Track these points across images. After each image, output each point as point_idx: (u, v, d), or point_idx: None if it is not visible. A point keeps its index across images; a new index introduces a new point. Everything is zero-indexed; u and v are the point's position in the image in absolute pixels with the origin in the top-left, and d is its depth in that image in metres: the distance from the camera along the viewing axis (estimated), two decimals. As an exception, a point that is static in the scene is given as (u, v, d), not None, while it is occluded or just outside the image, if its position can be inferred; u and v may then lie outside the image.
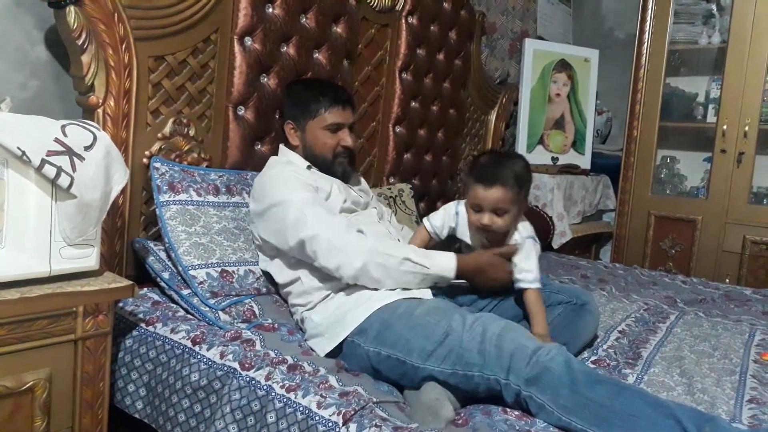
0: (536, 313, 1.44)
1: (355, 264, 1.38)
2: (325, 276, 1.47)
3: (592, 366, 1.41)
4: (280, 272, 1.56)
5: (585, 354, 1.51)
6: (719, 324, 1.80)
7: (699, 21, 3.10)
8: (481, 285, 1.51)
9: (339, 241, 1.40)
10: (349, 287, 1.44)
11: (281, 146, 1.78)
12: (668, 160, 3.28)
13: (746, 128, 2.81)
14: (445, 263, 1.45)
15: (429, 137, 2.68)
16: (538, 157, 3.15)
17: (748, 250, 2.80)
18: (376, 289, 1.40)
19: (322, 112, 1.68)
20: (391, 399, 1.23)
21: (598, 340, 1.59)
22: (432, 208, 2.38)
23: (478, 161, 1.53)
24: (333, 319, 1.39)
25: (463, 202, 1.59)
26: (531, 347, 1.18)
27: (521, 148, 3.14)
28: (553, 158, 3.17)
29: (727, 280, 2.70)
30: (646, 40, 3.09)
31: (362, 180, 1.91)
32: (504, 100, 3.11)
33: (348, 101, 1.73)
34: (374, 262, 1.38)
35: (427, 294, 1.44)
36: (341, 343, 1.36)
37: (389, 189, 2.36)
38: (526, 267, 1.47)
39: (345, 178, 1.73)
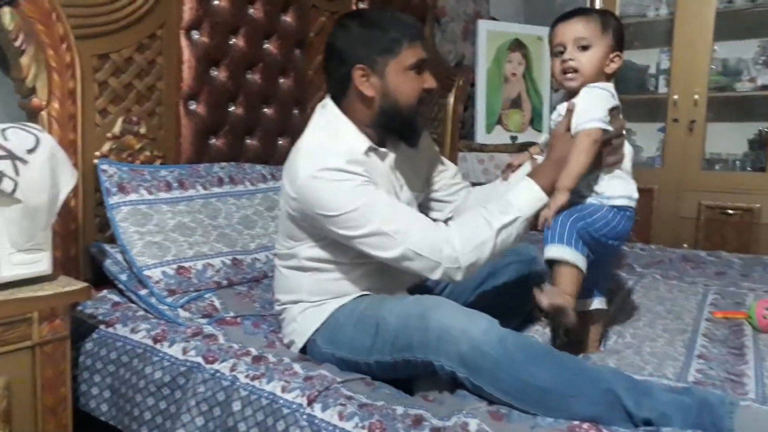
0: (567, 161, 1.21)
1: (461, 270, 1.22)
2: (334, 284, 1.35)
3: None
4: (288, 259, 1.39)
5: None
6: (675, 287, 1.86)
7: (647, -6, 3.16)
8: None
9: (435, 254, 1.21)
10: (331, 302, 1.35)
11: (325, 108, 1.36)
12: (624, 132, 3.34)
13: (696, 97, 2.88)
14: (529, 195, 1.26)
15: (388, 123, 2.68)
16: (498, 136, 3.19)
17: (704, 215, 2.89)
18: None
19: (403, 49, 1.28)
20: (357, 377, 1.22)
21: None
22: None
23: (555, 21, 1.33)
24: (308, 320, 1.35)
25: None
26: (458, 327, 1.10)
27: (480, 129, 3.17)
28: (512, 137, 3.21)
29: (685, 246, 2.77)
30: (597, 15, 3.14)
31: (427, 137, 1.54)
32: (461, 82, 3.12)
33: (423, 36, 1.37)
34: (478, 257, 1.22)
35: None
36: (311, 345, 1.34)
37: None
38: (579, 108, 1.24)
39: (418, 135, 1.38)
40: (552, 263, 1.23)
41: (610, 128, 1.24)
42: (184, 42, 1.79)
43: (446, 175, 1.58)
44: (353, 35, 1.31)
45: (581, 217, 1.24)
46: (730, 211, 2.82)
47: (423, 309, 1.17)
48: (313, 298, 1.35)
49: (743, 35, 2.97)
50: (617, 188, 1.30)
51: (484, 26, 3.20)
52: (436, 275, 1.23)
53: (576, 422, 1.01)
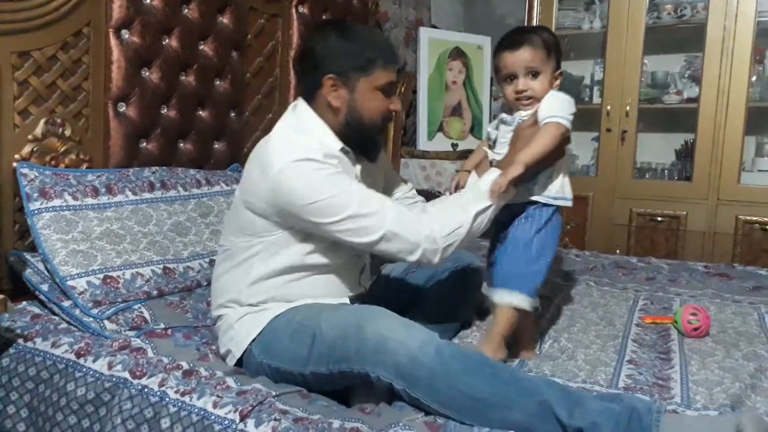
0: (531, 143, 1.28)
1: (438, 252, 1.25)
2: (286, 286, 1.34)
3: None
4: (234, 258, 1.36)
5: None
6: (608, 292, 1.91)
7: (581, 7, 3.25)
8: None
9: (413, 235, 1.24)
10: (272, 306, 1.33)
11: (297, 109, 1.38)
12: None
13: (627, 108, 2.99)
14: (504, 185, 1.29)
15: (329, 128, 2.66)
16: (439, 144, 3.22)
17: (635, 222, 2.99)
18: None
19: (377, 69, 1.31)
20: (293, 389, 1.20)
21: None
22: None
23: (501, 39, 1.41)
24: (244, 329, 1.31)
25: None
26: (396, 338, 1.10)
27: (422, 136, 3.19)
28: (452, 144, 3.24)
29: (618, 251, 2.87)
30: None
31: (383, 153, 1.59)
32: (403, 89, 3.13)
33: (397, 61, 1.41)
34: (457, 240, 1.26)
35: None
36: (247, 355, 1.30)
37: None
38: (547, 106, 1.31)
39: (378, 150, 1.46)
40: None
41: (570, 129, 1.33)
42: (113, 41, 1.71)
43: (402, 189, 1.67)
44: (331, 45, 1.32)
45: (540, 259, 1.34)
46: (659, 218, 2.94)
47: (359, 320, 1.16)
48: (252, 299, 1.32)
49: (671, 50, 3.11)
50: (565, 189, 1.40)
51: (425, 33, 3.22)
52: (414, 257, 1.25)
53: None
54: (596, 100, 3.20)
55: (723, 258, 2.69)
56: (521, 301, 1.32)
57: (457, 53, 3.31)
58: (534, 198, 1.37)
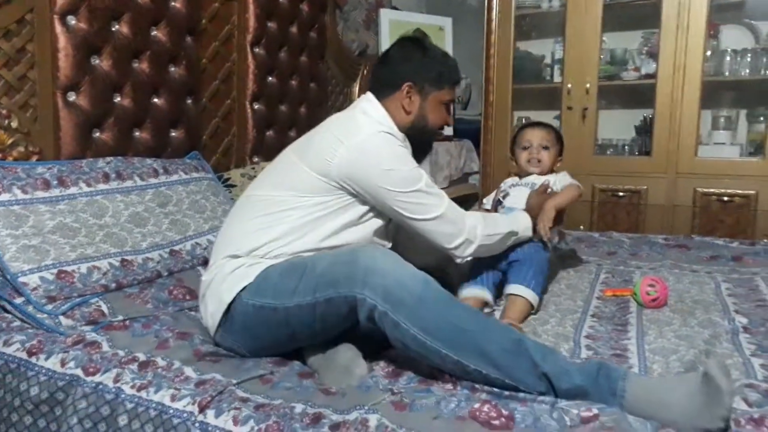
0: (559, 194, 1.68)
1: (473, 246, 1.46)
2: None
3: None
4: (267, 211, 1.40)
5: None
6: (570, 266, 1.94)
7: (540, -14, 3.26)
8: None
9: (461, 223, 1.45)
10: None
11: (368, 100, 1.51)
12: (523, 121, 3.46)
13: (587, 86, 3.01)
14: (525, 222, 1.61)
15: (291, 113, 2.63)
16: (403, 126, 3.20)
17: (597, 198, 3.04)
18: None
19: (446, 86, 1.53)
20: (254, 375, 1.19)
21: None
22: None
23: (522, 126, 1.92)
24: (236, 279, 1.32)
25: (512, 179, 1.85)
26: (388, 265, 1.17)
27: (386, 118, 3.17)
28: (417, 126, 3.23)
29: (582, 227, 2.91)
30: (495, 6, 3.20)
31: None
32: (365, 71, 3.11)
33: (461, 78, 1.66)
34: (485, 244, 1.49)
35: None
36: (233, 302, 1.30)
37: (253, 169, 2.30)
38: (566, 179, 1.77)
39: (427, 155, 1.68)
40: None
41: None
42: (59, 28, 1.66)
43: None
44: (415, 57, 1.51)
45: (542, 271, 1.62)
46: (621, 194, 2.98)
47: (355, 251, 1.23)
48: (261, 251, 1.34)
49: (628, 27, 3.14)
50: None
51: (386, 15, 3.19)
52: (454, 243, 1.44)
53: (476, 405, 1.02)
54: (557, 78, 3.21)
55: (682, 230, 2.75)
56: (534, 299, 1.52)
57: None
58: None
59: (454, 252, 1.46)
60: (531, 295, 1.51)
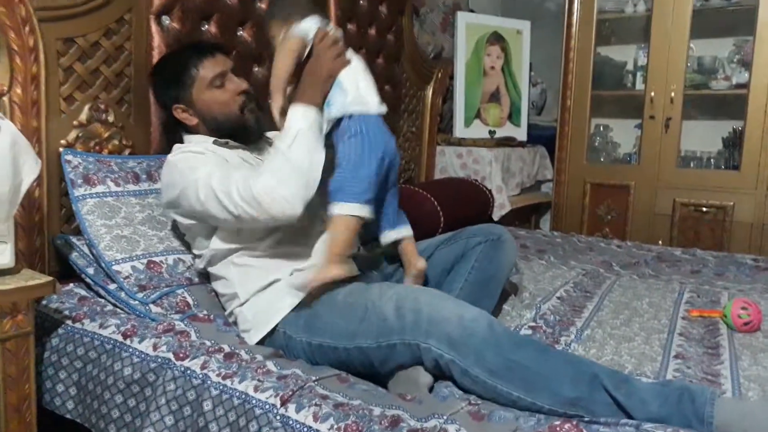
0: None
1: (256, 205, 1.25)
2: (251, 272, 1.38)
3: (530, 332, 1.43)
4: (211, 263, 1.45)
5: (525, 319, 1.52)
6: (652, 285, 1.86)
7: (625, -10, 3.16)
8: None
9: (247, 193, 1.25)
10: (274, 282, 1.36)
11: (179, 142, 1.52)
12: (602, 129, 3.36)
13: (672, 94, 2.90)
14: (295, 113, 1.31)
15: (365, 115, 2.64)
16: (476, 131, 3.17)
17: (678, 212, 2.91)
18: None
19: (196, 74, 1.45)
20: (332, 373, 1.20)
21: (537, 307, 1.61)
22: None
23: None
24: (262, 311, 1.34)
25: None
26: (450, 310, 1.15)
27: (459, 122, 3.15)
28: (490, 131, 3.19)
29: (660, 242, 2.80)
30: (576, 10, 3.13)
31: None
32: (440, 74, 3.10)
33: (214, 48, 1.51)
34: (281, 186, 1.24)
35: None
36: (273, 336, 1.32)
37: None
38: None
39: (260, 129, 1.52)
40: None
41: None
42: (154, 28, 1.73)
43: None
44: (160, 81, 1.54)
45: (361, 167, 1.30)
46: (704, 209, 2.85)
47: (415, 294, 1.20)
48: (249, 292, 1.36)
49: (719, 34, 3.00)
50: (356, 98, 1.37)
51: (463, 18, 3.17)
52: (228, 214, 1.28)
53: (557, 422, 1.00)
54: (639, 86, 3.11)
55: (772, 251, 2.61)
56: (355, 209, 1.27)
57: (495, 38, 3.25)
58: (333, 116, 1.35)
59: (242, 219, 1.27)
60: (350, 208, 1.27)
